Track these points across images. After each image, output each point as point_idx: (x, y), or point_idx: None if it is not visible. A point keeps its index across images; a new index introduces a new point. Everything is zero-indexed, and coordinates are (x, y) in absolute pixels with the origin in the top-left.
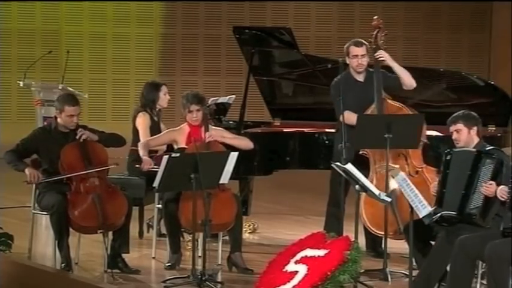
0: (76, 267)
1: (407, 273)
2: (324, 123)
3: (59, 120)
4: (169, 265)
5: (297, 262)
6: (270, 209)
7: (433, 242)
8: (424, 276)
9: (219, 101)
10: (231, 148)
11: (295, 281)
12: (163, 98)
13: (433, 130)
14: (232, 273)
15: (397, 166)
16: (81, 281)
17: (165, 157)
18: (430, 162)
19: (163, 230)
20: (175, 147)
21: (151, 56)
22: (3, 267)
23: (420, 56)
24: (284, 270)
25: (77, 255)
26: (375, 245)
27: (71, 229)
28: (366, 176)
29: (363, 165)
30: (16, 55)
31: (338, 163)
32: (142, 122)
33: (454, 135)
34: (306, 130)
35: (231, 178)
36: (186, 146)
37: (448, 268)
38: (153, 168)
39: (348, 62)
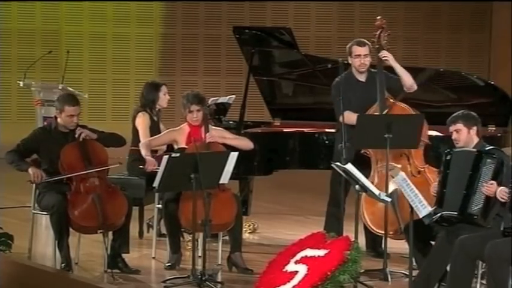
0: (76, 267)
1: (407, 273)
2: (324, 123)
3: (59, 120)
4: (169, 265)
5: (297, 262)
6: (270, 209)
7: (433, 242)
8: (424, 276)
9: (219, 101)
10: (231, 148)
11: (295, 281)
12: (163, 98)
13: (433, 130)
14: (232, 273)
15: (399, 166)
16: (81, 281)
17: (165, 157)
18: (431, 163)
19: (163, 230)
20: (176, 147)
21: (151, 56)
22: (3, 267)
23: (420, 56)
24: (284, 270)
25: (77, 255)
26: (375, 245)
27: (71, 229)
28: (367, 176)
29: (363, 165)
30: (16, 55)
31: (338, 163)
32: (142, 122)
33: (454, 135)
34: (306, 130)
35: (231, 178)
36: (186, 146)
37: (448, 268)
38: (157, 168)
39: (350, 61)
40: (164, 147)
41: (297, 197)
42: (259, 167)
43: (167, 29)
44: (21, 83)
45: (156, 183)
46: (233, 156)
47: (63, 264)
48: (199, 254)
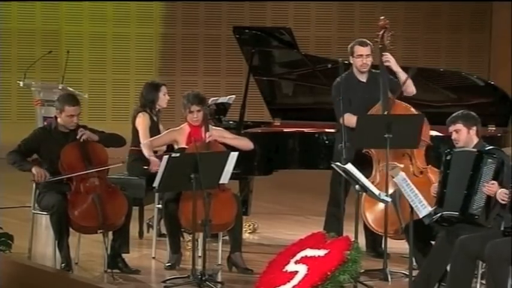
0: (76, 267)
1: (407, 273)
2: (324, 123)
3: (59, 120)
4: (169, 265)
5: (297, 262)
6: (270, 209)
7: (433, 242)
8: (424, 276)
9: (219, 101)
10: (231, 148)
11: (295, 281)
12: (163, 98)
13: (433, 130)
14: (232, 273)
15: (401, 165)
16: (81, 281)
17: (165, 157)
18: (432, 163)
19: (163, 230)
20: (176, 147)
21: (151, 56)
22: (3, 267)
23: (420, 56)
24: (284, 270)
25: (77, 255)
26: (375, 245)
27: (71, 229)
28: (367, 176)
29: (364, 165)
30: (16, 55)
31: (338, 163)
32: (142, 122)
33: (454, 136)
34: (306, 130)
35: (231, 178)
36: (186, 146)
37: (448, 268)
38: None
39: (351, 61)
40: (164, 147)
41: (297, 197)
42: (259, 167)
43: (167, 29)
44: (21, 83)
45: (156, 183)
46: (233, 156)
47: (63, 264)
48: (199, 254)
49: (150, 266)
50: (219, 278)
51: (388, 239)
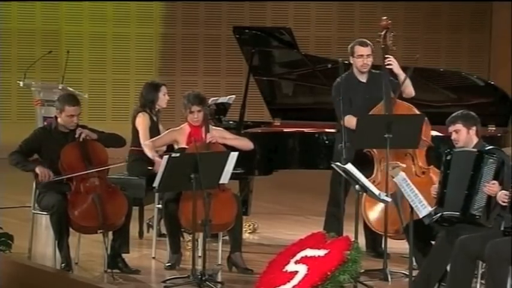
0: (76, 267)
1: (407, 273)
2: (324, 123)
3: (59, 120)
4: (169, 265)
5: (297, 262)
6: (270, 209)
7: (433, 242)
8: (424, 276)
9: (219, 101)
10: (231, 148)
11: (295, 281)
12: (163, 99)
13: (433, 130)
14: (232, 273)
15: (404, 165)
16: (81, 281)
17: (165, 157)
18: (432, 163)
19: (163, 230)
20: (176, 147)
21: (151, 56)
22: (3, 267)
23: (420, 56)
24: (284, 270)
25: (77, 255)
26: (375, 245)
27: (71, 229)
28: (367, 176)
29: (364, 165)
30: (16, 55)
31: (338, 163)
32: (142, 122)
33: (453, 136)
34: (306, 130)
35: (231, 178)
36: (186, 146)
37: (448, 268)
38: None
39: (351, 61)
40: (164, 148)
41: (297, 197)
42: (259, 167)
43: (167, 29)
44: (21, 83)
45: (156, 183)
46: (233, 156)
47: (63, 264)
48: (199, 254)
49: (150, 266)
50: (219, 278)
51: (388, 239)
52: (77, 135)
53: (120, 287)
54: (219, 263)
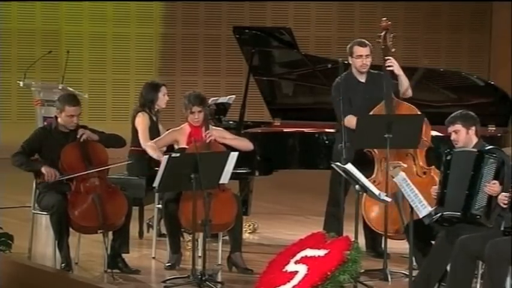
0: (76, 267)
1: (407, 273)
2: (324, 123)
3: (59, 120)
4: (169, 265)
5: (297, 262)
6: (270, 209)
7: (433, 242)
8: (424, 276)
9: (219, 101)
10: (231, 148)
11: (295, 281)
12: (162, 99)
13: (433, 130)
14: (232, 273)
15: (405, 165)
16: (81, 281)
17: (165, 157)
18: (432, 164)
19: (163, 230)
20: (176, 147)
21: (151, 56)
22: (3, 267)
23: (420, 56)
24: (284, 270)
25: (77, 255)
26: (375, 245)
27: (71, 229)
28: (367, 176)
29: (364, 165)
30: (16, 55)
31: (338, 163)
32: (141, 122)
33: (453, 136)
34: (306, 130)
35: (231, 178)
36: (186, 146)
37: (448, 268)
38: None
39: (350, 62)
40: (164, 148)
41: (297, 197)
42: (259, 167)
43: (167, 29)
44: (21, 83)
45: (156, 183)
46: (233, 156)
47: (63, 264)
48: (199, 254)
49: (150, 266)
50: (219, 278)
51: (388, 239)
52: (78, 136)
53: (120, 287)
54: (219, 263)
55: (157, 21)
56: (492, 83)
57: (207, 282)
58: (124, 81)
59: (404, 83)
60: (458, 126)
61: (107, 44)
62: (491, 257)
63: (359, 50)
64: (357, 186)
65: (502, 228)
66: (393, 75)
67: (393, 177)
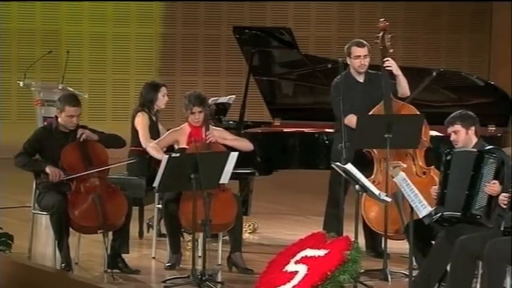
0: (76, 267)
1: (407, 273)
2: (324, 123)
3: (59, 119)
4: (169, 265)
5: (297, 262)
6: (270, 209)
7: (433, 242)
8: (424, 276)
9: (219, 101)
10: (231, 149)
11: (295, 281)
12: (161, 99)
13: (433, 130)
14: (232, 273)
15: (405, 166)
16: (81, 281)
17: (165, 157)
18: (431, 163)
19: (163, 230)
20: (176, 147)
21: (151, 56)
22: (3, 267)
23: (420, 56)
24: (284, 270)
25: (77, 255)
26: (375, 245)
27: (71, 229)
28: (366, 176)
29: (364, 165)
30: (16, 55)
31: (338, 163)
32: (141, 121)
33: (452, 137)
34: (306, 130)
35: (231, 178)
36: (186, 146)
37: (448, 268)
38: None
39: (348, 62)
40: (165, 148)
41: (297, 197)
42: (260, 167)
43: (167, 29)
44: (21, 83)
45: (156, 183)
46: (233, 156)
47: (63, 264)
48: (199, 254)
49: (150, 266)
50: (219, 278)
51: (388, 239)
52: (78, 136)
53: (120, 287)
54: (219, 263)
55: (157, 21)
56: (492, 83)
57: (207, 282)
58: (124, 81)
59: (402, 83)
60: (457, 127)
61: (107, 44)
62: (490, 257)
63: (357, 51)
64: (357, 186)
65: (502, 228)
66: (391, 75)
67: (393, 177)
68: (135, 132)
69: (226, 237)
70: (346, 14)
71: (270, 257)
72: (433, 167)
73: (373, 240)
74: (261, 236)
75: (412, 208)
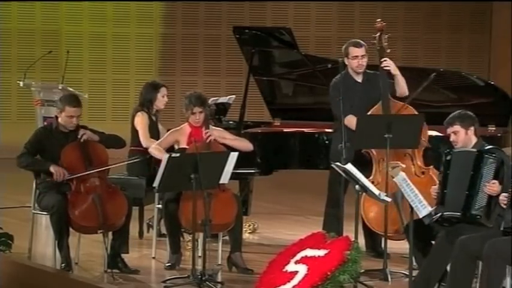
0: (76, 267)
1: (407, 273)
2: (324, 123)
3: (59, 119)
4: (169, 265)
5: (297, 262)
6: (270, 209)
7: (433, 242)
8: (424, 276)
9: (219, 101)
10: (231, 149)
11: (295, 281)
12: (161, 100)
13: (433, 130)
14: (232, 273)
15: (403, 166)
16: (81, 281)
17: (165, 157)
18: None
19: (163, 230)
20: (176, 147)
21: (151, 56)
22: (3, 267)
23: (420, 56)
24: (284, 270)
25: (77, 255)
26: (375, 245)
27: (71, 229)
28: (366, 176)
29: (363, 165)
30: (16, 55)
31: (338, 163)
32: (141, 121)
33: (452, 137)
34: (306, 130)
35: (231, 178)
36: (187, 146)
37: (448, 268)
38: None
39: (346, 62)
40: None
41: (297, 197)
42: (260, 167)
43: (167, 29)
44: (21, 83)
45: (156, 183)
46: (233, 156)
47: (63, 264)
48: (199, 254)
49: (150, 266)
50: (219, 278)
51: (388, 239)
52: (79, 136)
53: (120, 287)
54: (219, 263)
55: (157, 21)
56: (492, 83)
57: (207, 282)
58: (124, 81)
59: (400, 82)
60: (456, 127)
61: (107, 44)
62: (489, 257)
63: (354, 51)
64: (357, 186)
65: (502, 228)
66: (389, 75)
67: (393, 178)
68: (135, 132)
69: (226, 237)
70: (346, 14)
71: (270, 257)
72: (431, 166)
73: (373, 240)
74: (261, 236)
75: (412, 208)
